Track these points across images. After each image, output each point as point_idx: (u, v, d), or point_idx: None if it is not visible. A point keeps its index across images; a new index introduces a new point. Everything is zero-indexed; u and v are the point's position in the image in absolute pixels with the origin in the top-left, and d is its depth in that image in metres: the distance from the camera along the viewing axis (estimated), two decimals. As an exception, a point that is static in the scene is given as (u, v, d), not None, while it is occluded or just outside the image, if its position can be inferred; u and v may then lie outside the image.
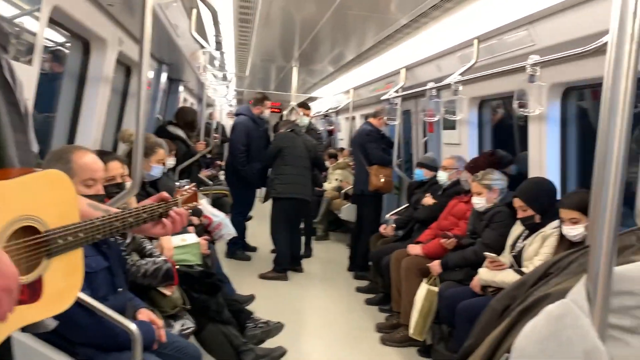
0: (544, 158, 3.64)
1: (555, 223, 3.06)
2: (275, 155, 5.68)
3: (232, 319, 3.28)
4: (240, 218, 6.18)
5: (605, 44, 2.33)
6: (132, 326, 2.01)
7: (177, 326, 2.72)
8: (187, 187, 1.69)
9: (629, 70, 0.82)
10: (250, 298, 4.41)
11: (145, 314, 2.31)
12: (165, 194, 1.57)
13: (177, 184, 4.32)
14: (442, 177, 4.57)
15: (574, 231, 2.80)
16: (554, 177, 3.58)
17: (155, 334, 2.19)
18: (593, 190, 0.81)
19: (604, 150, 0.82)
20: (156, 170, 3.62)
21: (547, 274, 0.96)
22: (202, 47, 4.47)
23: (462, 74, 3.85)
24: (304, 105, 6.80)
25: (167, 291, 2.73)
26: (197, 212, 4.01)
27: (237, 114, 6.44)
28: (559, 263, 0.96)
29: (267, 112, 6.27)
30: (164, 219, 1.50)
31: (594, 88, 3.53)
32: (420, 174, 5.03)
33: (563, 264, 0.94)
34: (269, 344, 3.45)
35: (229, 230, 4.51)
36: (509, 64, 3.41)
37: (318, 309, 4.79)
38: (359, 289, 5.25)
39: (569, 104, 3.66)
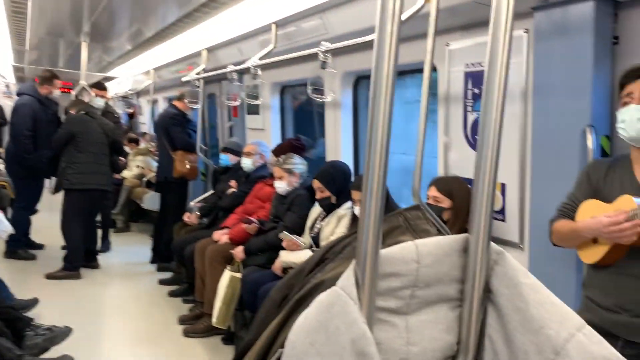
0: (339, 142, 3.83)
1: (349, 204, 3.24)
2: (66, 141, 5.07)
3: (6, 329, 2.84)
4: (24, 212, 5.47)
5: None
6: None
7: None
8: None
9: (389, 62, 0.82)
10: (33, 302, 3.89)
11: None
12: None
13: None
14: (247, 163, 4.54)
15: (364, 211, 2.97)
16: (349, 161, 3.79)
17: None
18: (363, 174, 0.80)
19: (371, 137, 0.81)
20: None
21: (324, 259, 0.94)
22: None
23: (261, 59, 3.84)
24: (99, 85, 6.19)
25: None
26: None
27: (19, 94, 5.60)
28: (335, 247, 0.95)
29: (56, 92, 5.59)
30: None
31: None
32: (226, 159, 4.94)
33: (338, 249, 0.93)
34: (54, 352, 3.07)
35: (3, 227, 3.89)
36: (306, 51, 3.48)
37: (116, 307, 4.43)
38: (162, 282, 5.00)
39: (361, 91, 3.90)
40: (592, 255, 1.85)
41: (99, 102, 5.82)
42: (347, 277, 0.77)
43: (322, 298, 0.76)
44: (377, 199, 0.77)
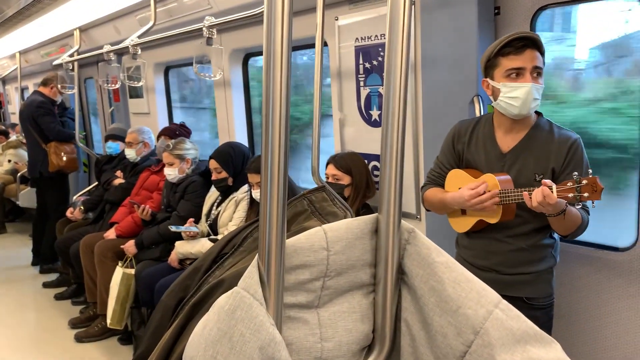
0: (232, 122, 3.68)
1: (246, 187, 3.12)
2: None
3: None
4: None
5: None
6: None
7: None
8: None
9: (282, 35, 0.71)
10: None
11: None
12: None
13: None
14: (131, 154, 4.21)
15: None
16: (243, 141, 3.65)
17: None
18: (262, 155, 0.70)
19: (268, 117, 0.71)
20: None
21: (222, 254, 0.84)
22: None
23: (140, 37, 3.55)
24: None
25: None
26: None
27: None
28: (234, 240, 0.85)
29: None
30: None
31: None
32: (116, 147, 4.52)
33: (237, 241, 0.84)
34: None
35: None
36: (188, 27, 3.27)
37: (-5, 317, 3.99)
38: (47, 284, 4.59)
39: (250, 69, 3.75)
40: (462, 225, 1.96)
41: None
42: (250, 275, 0.68)
43: (222, 302, 0.66)
44: (280, 182, 0.68)
